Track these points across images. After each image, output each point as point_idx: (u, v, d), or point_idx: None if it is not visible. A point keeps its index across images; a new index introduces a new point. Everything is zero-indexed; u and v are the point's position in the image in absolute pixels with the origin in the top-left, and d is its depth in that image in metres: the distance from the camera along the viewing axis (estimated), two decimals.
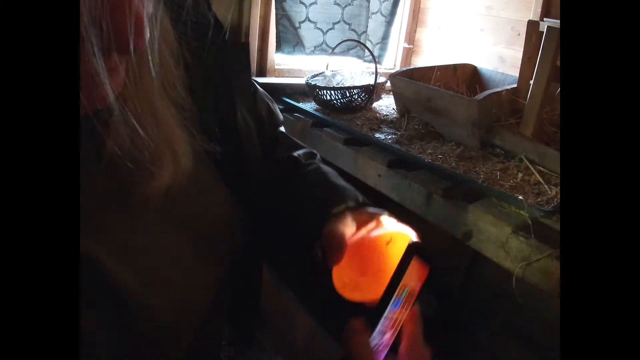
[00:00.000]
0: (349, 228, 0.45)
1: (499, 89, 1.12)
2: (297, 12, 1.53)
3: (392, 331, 0.39)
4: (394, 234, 0.44)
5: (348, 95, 1.30)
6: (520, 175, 0.93)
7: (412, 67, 1.58)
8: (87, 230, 0.31)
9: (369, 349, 0.37)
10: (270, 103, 0.60)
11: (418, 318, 0.41)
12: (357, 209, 0.48)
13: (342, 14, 1.62)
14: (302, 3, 1.52)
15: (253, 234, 0.49)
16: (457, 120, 1.09)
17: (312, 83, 1.33)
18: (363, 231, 0.46)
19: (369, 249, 0.44)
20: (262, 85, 0.59)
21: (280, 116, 0.62)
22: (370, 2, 1.64)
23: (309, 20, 1.56)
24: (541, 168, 0.95)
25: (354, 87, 1.30)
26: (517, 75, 1.15)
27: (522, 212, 0.81)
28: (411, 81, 1.21)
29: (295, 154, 0.57)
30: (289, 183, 0.54)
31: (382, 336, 0.38)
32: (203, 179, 0.43)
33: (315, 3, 1.54)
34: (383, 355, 0.38)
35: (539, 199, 0.84)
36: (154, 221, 0.38)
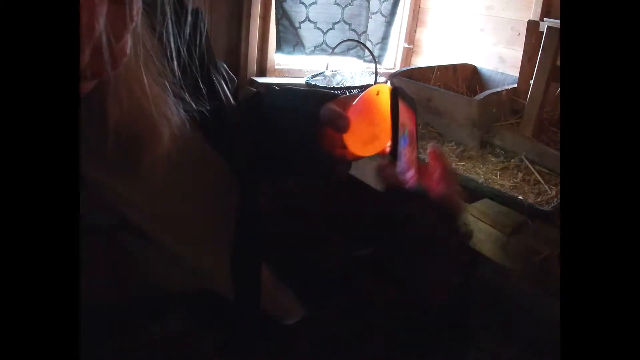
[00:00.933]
0: (339, 104, 0.50)
1: (499, 89, 1.12)
2: (297, 12, 1.53)
3: (412, 168, 0.47)
4: (379, 86, 0.50)
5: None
6: (520, 175, 0.93)
7: (412, 67, 1.58)
8: (112, 199, 0.34)
9: (398, 176, 0.44)
10: (224, 64, 0.64)
11: (440, 154, 0.47)
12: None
13: (342, 14, 1.62)
14: (302, 3, 1.52)
15: (244, 191, 0.51)
16: (457, 120, 1.09)
17: (312, 83, 1.33)
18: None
19: (367, 105, 0.50)
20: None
21: (232, 75, 0.67)
22: (370, 2, 1.64)
23: (309, 20, 1.56)
24: (541, 168, 0.95)
25: (354, 87, 1.30)
26: (517, 75, 1.15)
27: (522, 212, 0.81)
28: (411, 81, 1.21)
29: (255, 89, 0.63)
30: (261, 111, 0.58)
31: (405, 172, 0.46)
32: (194, 140, 0.46)
33: (315, 3, 1.54)
34: (412, 184, 0.46)
35: (539, 199, 0.84)
36: (162, 186, 0.41)
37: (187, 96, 0.45)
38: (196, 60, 0.50)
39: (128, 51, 0.32)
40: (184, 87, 0.46)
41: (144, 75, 0.38)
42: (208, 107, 0.49)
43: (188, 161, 0.43)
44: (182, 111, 0.45)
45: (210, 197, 0.47)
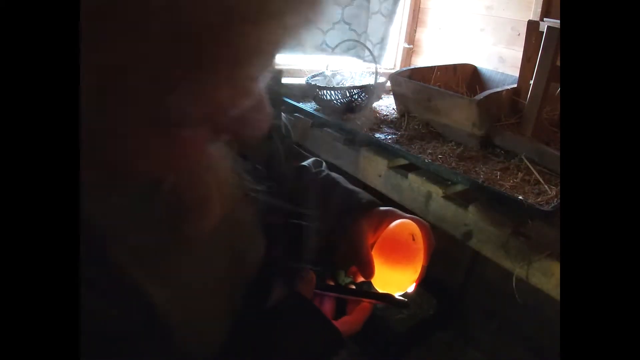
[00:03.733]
0: (369, 234, 0.52)
1: (499, 89, 1.11)
2: None
3: (332, 302, 0.50)
4: (411, 226, 0.51)
5: (348, 95, 1.30)
6: (520, 175, 0.93)
7: (412, 67, 1.58)
8: (144, 263, 0.34)
9: (308, 293, 0.48)
10: (285, 121, 0.63)
11: (364, 314, 0.50)
12: (370, 211, 0.54)
13: (342, 14, 1.62)
14: None
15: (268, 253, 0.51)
16: (457, 120, 1.09)
17: (312, 83, 1.33)
18: (387, 229, 0.52)
19: (393, 247, 0.51)
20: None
21: (291, 131, 0.66)
22: (370, 2, 1.64)
23: None
24: (541, 168, 0.95)
25: (354, 87, 1.30)
26: (517, 75, 1.15)
27: (522, 212, 0.81)
28: (411, 81, 1.21)
29: (305, 163, 0.63)
30: (302, 191, 0.58)
31: (323, 297, 0.50)
32: (235, 213, 0.45)
33: None
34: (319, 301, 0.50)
35: (539, 199, 0.84)
36: (197, 254, 0.41)
37: (244, 177, 0.44)
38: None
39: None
40: (250, 162, 0.45)
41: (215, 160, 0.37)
42: (265, 187, 0.47)
43: (223, 233, 0.42)
44: (247, 186, 0.44)
45: (235, 267, 0.46)
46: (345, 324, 0.48)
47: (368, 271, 0.50)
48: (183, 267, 0.39)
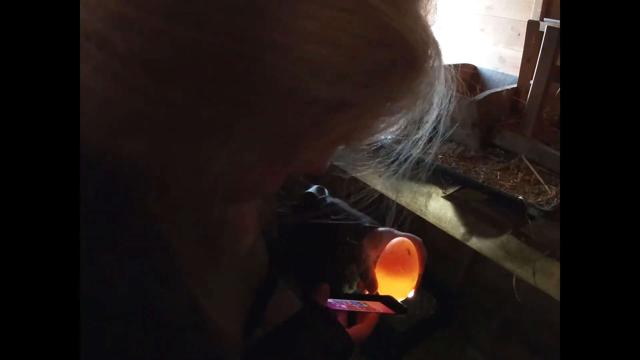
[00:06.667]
0: (371, 252, 0.60)
1: (499, 89, 1.11)
2: None
3: (345, 311, 0.58)
4: (406, 243, 0.60)
5: None
6: (520, 175, 0.93)
7: None
8: (192, 278, 0.38)
9: (323, 301, 0.55)
10: None
11: (372, 323, 0.58)
12: (371, 232, 0.62)
13: None
14: None
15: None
16: (457, 120, 1.08)
17: None
18: (386, 247, 0.61)
19: (392, 262, 0.60)
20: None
21: None
22: None
23: None
24: (541, 168, 0.95)
25: None
26: (517, 75, 1.15)
27: (522, 212, 0.81)
28: None
29: (311, 190, 0.70)
30: (310, 215, 0.66)
31: (336, 305, 0.57)
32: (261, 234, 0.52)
33: None
34: (335, 309, 0.58)
35: (539, 199, 0.83)
36: (231, 269, 0.47)
37: (272, 202, 0.51)
38: None
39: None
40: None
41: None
42: (286, 208, 0.56)
43: (254, 253, 0.49)
44: (272, 210, 0.51)
45: (252, 277, 0.53)
46: (356, 330, 0.56)
47: (372, 286, 0.58)
48: (222, 278, 0.44)
